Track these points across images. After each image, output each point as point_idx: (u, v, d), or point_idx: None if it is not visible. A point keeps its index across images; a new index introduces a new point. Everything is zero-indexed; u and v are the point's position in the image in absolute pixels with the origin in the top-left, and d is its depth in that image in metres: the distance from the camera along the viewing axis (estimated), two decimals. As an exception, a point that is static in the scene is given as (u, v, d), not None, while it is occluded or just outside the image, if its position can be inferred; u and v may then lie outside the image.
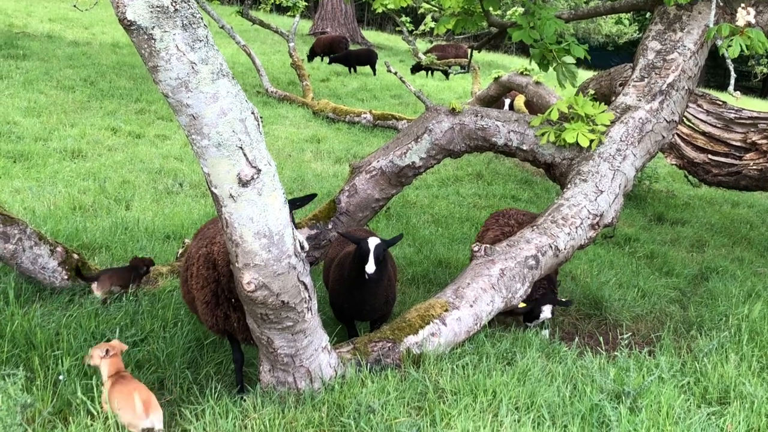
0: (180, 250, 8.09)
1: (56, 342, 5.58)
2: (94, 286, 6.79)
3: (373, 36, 39.34)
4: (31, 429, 4.45)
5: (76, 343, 5.60)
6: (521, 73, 14.98)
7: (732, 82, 6.93)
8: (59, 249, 6.84)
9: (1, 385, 4.59)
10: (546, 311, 6.80)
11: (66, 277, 6.82)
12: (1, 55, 18.89)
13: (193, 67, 3.89)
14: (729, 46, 6.41)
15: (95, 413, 4.57)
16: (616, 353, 6.19)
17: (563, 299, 7.14)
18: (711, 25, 6.83)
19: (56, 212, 9.18)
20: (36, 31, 23.25)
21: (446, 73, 25.25)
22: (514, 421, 4.85)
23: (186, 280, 5.58)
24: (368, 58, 24.66)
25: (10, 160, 11.48)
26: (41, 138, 12.90)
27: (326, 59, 26.14)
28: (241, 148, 4.14)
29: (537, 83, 14.46)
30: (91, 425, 4.47)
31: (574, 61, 7.54)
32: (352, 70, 24.77)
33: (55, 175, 11.02)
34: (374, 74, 24.33)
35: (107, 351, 4.81)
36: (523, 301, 6.67)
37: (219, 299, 5.22)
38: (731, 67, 6.95)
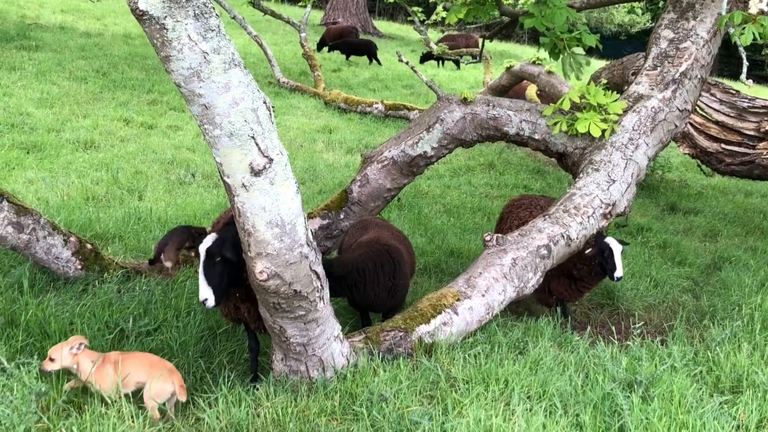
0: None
1: (70, 331, 5.62)
2: (163, 256, 7.00)
3: (384, 26, 39.28)
4: (46, 417, 4.49)
5: (90, 332, 5.64)
6: (533, 63, 14.92)
7: (744, 70, 6.91)
8: (73, 239, 6.87)
9: (16, 373, 4.63)
10: (613, 242, 6.66)
11: (80, 266, 6.85)
12: (14, 46, 18.97)
13: (205, 57, 3.90)
14: (741, 34, 6.37)
15: (109, 402, 4.60)
16: (628, 342, 6.19)
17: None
18: (723, 13, 6.80)
19: (69, 203, 9.22)
20: (48, 23, 23.32)
21: (457, 63, 25.19)
22: (526, 409, 4.85)
23: None
24: (366, 48, 24.49)
25: (23, 151, 11.54)
26: (54, 129, 12.95)
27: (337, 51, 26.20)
28: (253, 137, 4.15)
29: (549, 73, 14.39)
30: (105, 413, 4.50)
31: (584, 52, 7.50)
32: (348, 58, 24.80)
33: (68, 166, 11.07)
34: (379, 64, 24.25)
35: (80, 345, 4.82)
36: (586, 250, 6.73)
37: (229, 291, 5.23)
38: (744, 56, 6.92)
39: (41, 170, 10.73)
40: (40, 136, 12.27)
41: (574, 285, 7.04)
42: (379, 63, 24.31)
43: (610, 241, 6.66)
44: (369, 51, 24.42)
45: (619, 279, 6.66)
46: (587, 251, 6.72)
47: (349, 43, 24.57)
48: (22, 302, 5.94)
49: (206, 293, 4.76)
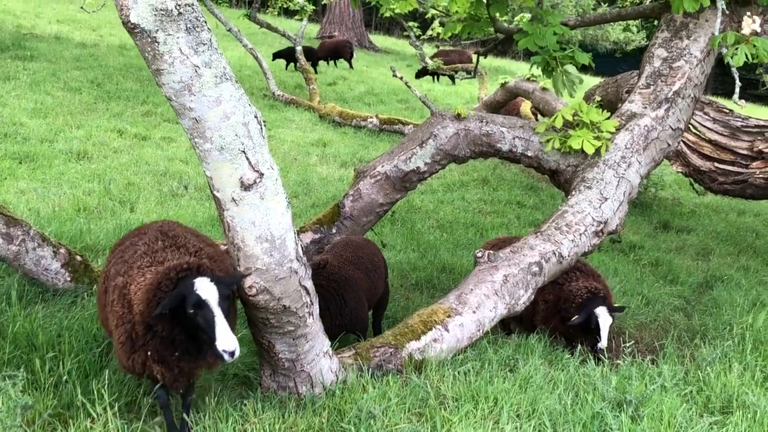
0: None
1: (58, 344, 5.57)
2: None
3: (380, 40, 39.41)
4: (31, 431, 4.45)
5: (78, 345, 5.59)
6: (528, 79, 14.95)
7: (737, 90, 6.91)
8: (62, 251, 6.84)
9: (1, 386, 4.59)
10: (603, 314, 6.30)
11: (69, 278, 6.82)
12: (9, 56, 18.95)
13: (196, 71, 3.89)
14: (734, 54, 6.39)
15: (95, 416, 4.56)
16: (618, 361, 6.17)
17: (616, 305, 6.63)
18: (716, 33, 6.82)
19: (61, 214, 9.19)
20: (44, 33, 23.32)
21: (453, 78, 25.25)
22: (515, 428, 4.83)
23: (104, 305, 4.81)
24: (308, 55, 24.26)
25: (15, 161, 11.50)
26: (47, 139, 12.92)
27: (332, 63, 26.21)
28: (243, 152, 4.14)
29: (543, 89, 14.41)
30: (91, 428, 4.46)
31: (576, 70, 7.51)
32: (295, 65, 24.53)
33: (60, 177, 11.04)
34: (315, 72, 24.08)
35: None
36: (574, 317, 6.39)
37: (135, 345, 4.41)
38: (736, 76, 6.93)
39: (33, 181, 10.70)
40: (33, 147, 12.23)
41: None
42: (315, 71, 24.08)
43: (601, 313, 6.32)
44: (310, 57, 24.14)
45: (600, 351, 6.35)
46: (573, 319, 6.40)
47: (293, 50, 24.16)
48: (10, 314, 5.90)
49: (236, 342, 4.17)
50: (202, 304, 4.09)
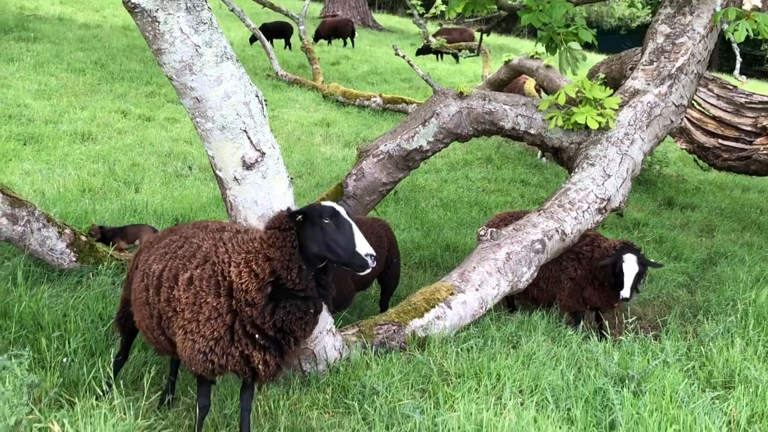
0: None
1: (63, 323, 5.62)
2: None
3: (384, 19, 39.23)
4: (38, 409, 4.49)
5: (84, 324, 5.63)
6: (532, 57, 14.89)
7: (737, 66, 6.91)
8: (67, 231, 6.87)
9: (8, 365, 4.62)
10: (630, 261, 6.33)
11: (74, 258, 6.85)
12: (12, 37, 18.94)
13: (197, 50, 3.91)
14: (735, 30, 6.38)
15: (101, 393, 4.61)
16: (621, 337, 6.19)
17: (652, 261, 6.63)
18: (718, 9, 6.79)
19: (66, 195, 9.22)
20: (47, 14, 23.28)
21: (456, 57, 25.15)
22: (518, 404, 4.85)
23: (151, 304, 4.34)
24: (281, 32, 24.13)
25: (20, 142, 11.54)
26: (51, 120, 12.95)
27: (334, 42, 26.08)
28: (245, 131, 4.16)
29: (547, 67, 14.36)
30: (97, 405, 4.50)
31: (581, 48, 7.50)
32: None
33: (65, 158, 11.07)
34: (289, 48, 24.09)
35: None
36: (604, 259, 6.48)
37: (234, 336, 4.06)
38: (737, 51, 6.92)
39: (38, 162, 10.74)
40: (38, 128, 12.27)
41: (605, 293, 6.77)
42: (290, 47, 23.90)
43: (629, 259, 6.34)
44: (285, 34, 24.03)
45: (624, 299, 6.41)
46: (602, 262, 6.51)
47: (265, 27, 23.83)
48: (16, 294, 5.93)
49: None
50: (336, 213, 3.94)
